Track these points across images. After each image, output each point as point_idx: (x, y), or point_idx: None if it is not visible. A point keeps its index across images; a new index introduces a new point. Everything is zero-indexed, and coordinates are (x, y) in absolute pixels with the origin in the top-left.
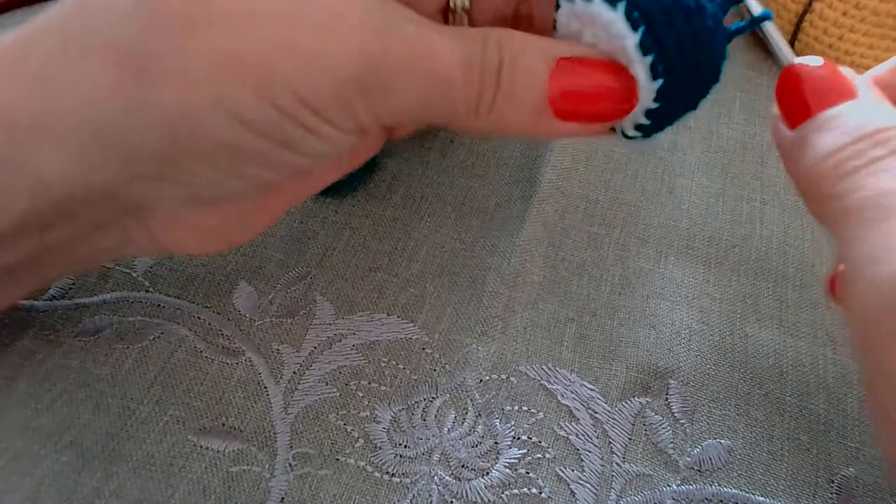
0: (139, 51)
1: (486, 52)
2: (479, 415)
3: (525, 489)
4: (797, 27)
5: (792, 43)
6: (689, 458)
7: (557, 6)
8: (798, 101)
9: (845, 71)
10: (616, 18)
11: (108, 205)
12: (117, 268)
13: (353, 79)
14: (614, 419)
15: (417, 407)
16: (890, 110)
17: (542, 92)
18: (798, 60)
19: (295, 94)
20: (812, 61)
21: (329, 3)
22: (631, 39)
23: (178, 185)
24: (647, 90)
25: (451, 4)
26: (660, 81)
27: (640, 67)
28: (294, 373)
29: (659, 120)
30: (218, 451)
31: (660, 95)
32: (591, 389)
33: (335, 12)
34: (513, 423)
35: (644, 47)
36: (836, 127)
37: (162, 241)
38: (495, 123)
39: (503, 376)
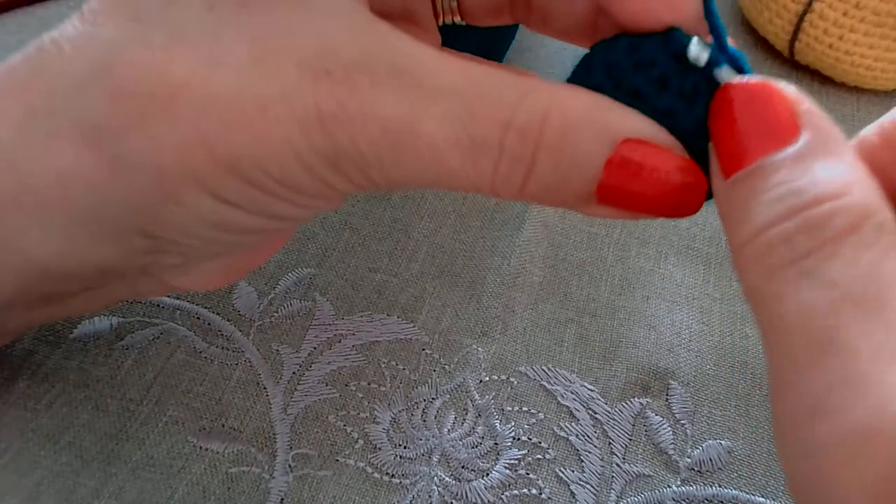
0: (103, 129)
1: (512, 125)
2: (479, 415)
3: (525, 490)
4: (797, 27)
5: (792, 43)
6: (689, 459)
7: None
8: (733, 138)
9: (788, 90)
10: None
11: (112, 273)
12: None
13: (318, 160)
14: (614, 420)
15: (417, 408)
16: (846, 161)
17: (591, 179)
18: (738, 77)
19: (267, 174)
20: (746, 78)
21: (277, 84)
22: None
23: (173, 255)
24: None
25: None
26: None
27: None
28: (294, 373)
29: None
30: (217, 452)
31: None
32: (591, 390)
33: (282, 92)
34: (513, 423)
35: None
36: (774, 186)
37: (173, 285)
38: (526, 199)
39: (503, 377)
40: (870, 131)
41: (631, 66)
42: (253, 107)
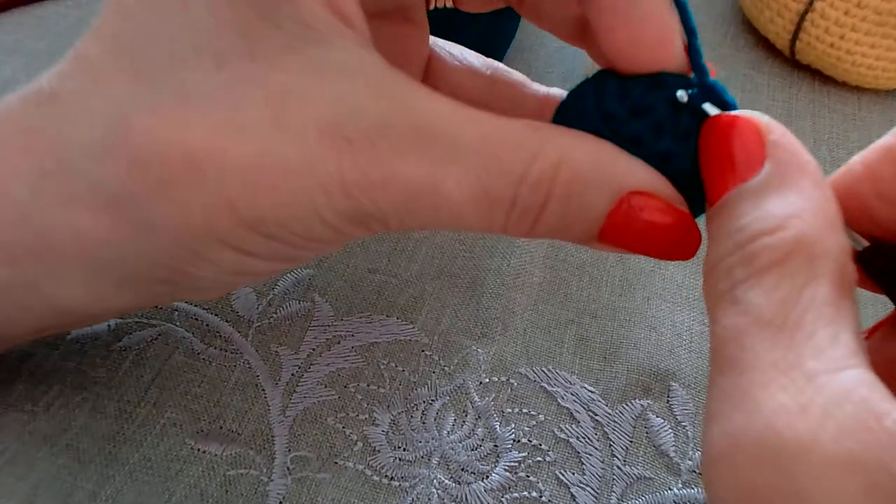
0: (123, 197)
1: (526, 180)
2: (479, 417)
3: (525, 492)
4: (798, 27)
5: (793, 43)
6: (690, 462)
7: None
8: (710, 171)
9: (762, 119)
10: None
11: (130, 310)
12: None
13: (339, 219)
14: (615, 422)
15: (417, 409)
16: (801, 192)
17: (595, 224)
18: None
19: (289, 231)
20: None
21: (299, 150)
22: None
23: (190, 291)
24: None
25: None
26: None
27: None
28: (292, 375)
29: None
30: (215, 455)
31: None
32: (592, 392)
33: (306, 160)
34: (513, 425)
35: None
36: (730, 221)
37: (183, 298)
38: (532, 238)
39: (503, 378)
40: (856, 160)
41: (626, 112)
42: (276, 172)
